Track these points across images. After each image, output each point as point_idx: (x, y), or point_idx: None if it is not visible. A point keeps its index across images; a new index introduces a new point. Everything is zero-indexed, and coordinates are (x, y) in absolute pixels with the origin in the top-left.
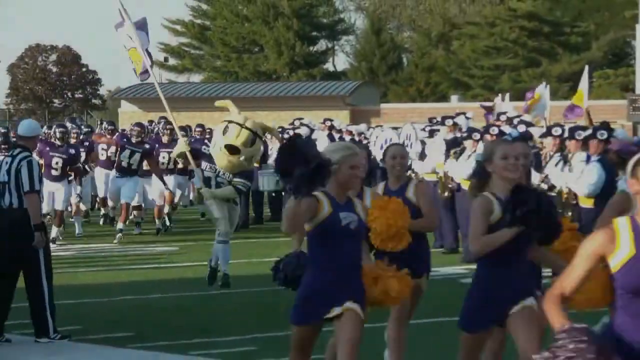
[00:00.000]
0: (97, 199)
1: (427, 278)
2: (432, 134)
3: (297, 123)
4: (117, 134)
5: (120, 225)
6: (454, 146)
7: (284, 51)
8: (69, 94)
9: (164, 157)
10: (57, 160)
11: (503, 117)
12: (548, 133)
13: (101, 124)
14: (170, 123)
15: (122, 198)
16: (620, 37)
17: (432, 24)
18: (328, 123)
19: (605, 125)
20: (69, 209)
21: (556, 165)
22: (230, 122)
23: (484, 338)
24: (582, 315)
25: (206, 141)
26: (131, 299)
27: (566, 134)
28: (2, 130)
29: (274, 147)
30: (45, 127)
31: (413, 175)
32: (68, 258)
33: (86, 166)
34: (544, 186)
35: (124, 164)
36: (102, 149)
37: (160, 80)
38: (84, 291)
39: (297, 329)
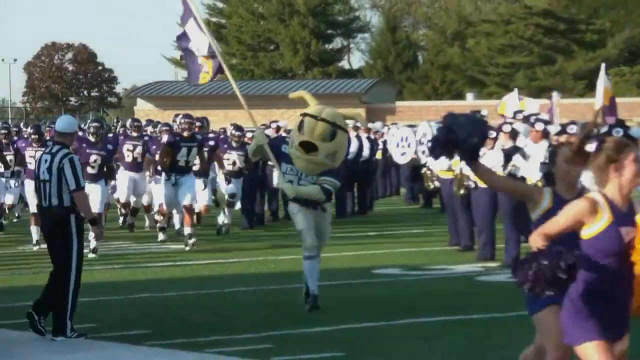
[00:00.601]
0: (117, 202)
1: None
2: None
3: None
4: (167, 133)
5: (188, 229)
6: None
7: (299, 49)
8: (85, 92)
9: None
10: (95, 158)
11: (519, 116)
12: (563, 131)
13: (117, 122)
14: (190, 116)
15: (183, 200)
16: (636, 35)
17: (447, 21)
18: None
19: (621, 123)
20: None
21: None
22: (305, 115)
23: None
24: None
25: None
26: (147, 297)
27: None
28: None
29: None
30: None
31: (429, 173)
32: (84, 256)
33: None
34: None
35: (182, 163)
36: (128, 149)
37: (177, 78)
38: (100, 289)
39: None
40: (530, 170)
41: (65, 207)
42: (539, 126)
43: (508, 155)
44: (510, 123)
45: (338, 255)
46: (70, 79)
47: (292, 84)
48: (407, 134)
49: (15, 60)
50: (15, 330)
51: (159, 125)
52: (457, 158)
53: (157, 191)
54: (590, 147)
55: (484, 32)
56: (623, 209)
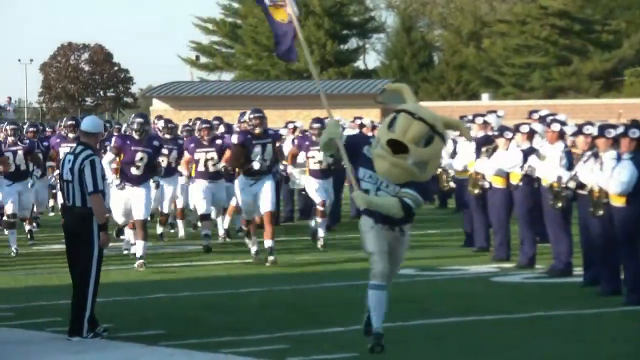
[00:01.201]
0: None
1: None
2: None
3: (290, 125)
4: (238, 135)
5: (269, 242)
6: (485, 144)
7: (314, 49)
8: (101, 92)
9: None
10: (141, 156)
11: (535, 115)
12: (579, 132)
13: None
14: (208, 122)
15: (266, 207)
16: None
17: (462, 22)
18: (358, 121)
19: (637, 124)
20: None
21: (585, 162)
22: (399, 111)
23: None
24: None
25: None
26: (162, 297)
27: (596, 132)
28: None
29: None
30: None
31: (444, 174)
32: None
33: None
34: (573, 184)
35: (257, 165)
36: (205, 158)
37: (192, 78)
38: (115, 289)
39: None
40: (546, 171)
41: (88, 208)
42: (555, 127)
43: (525, 156)
44: (528, 124)
45: (354, 255)
46: (86, 79)
47: (307, 84)
48: None
49: (31, 60)
50: (30, 330)
51: (180, 127)
52: (472, 158)
53: (195, 193)
54: None
55: (500, 33)
56: None
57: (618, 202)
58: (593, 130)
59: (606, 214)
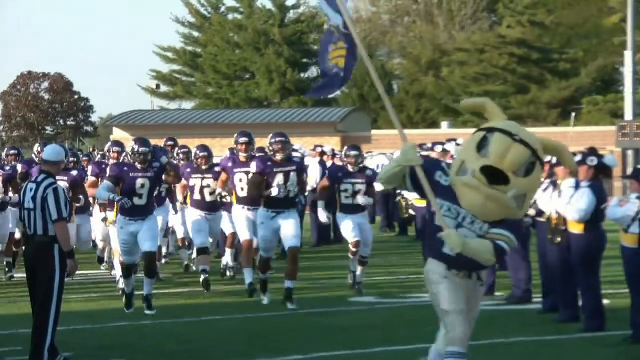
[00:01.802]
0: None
1: None
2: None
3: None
4: (256, 159)
5: (289, 283)
6: None
7: (275, 78)
8: (61, 121)
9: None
10: (142, 182)
11: None
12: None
13: (94, 150)
14: (186, 147)
15: (290, 242)
16: (609, 64)
17: (422, 50)
18: (319, 150)
19: (595, 152)
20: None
21: (544, 190)
22: (491, 130)
23: None
24: None
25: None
26: (124, 326)
27: (555, 160)
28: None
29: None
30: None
31: (403, 201)
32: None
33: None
34: (532, 212)
35: (275, 191)
36: (201, 185)
37: (153, 107)
38: (76, 318)
39: None
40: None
41: (49, 236)
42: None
43: None
44: None
45: (313, 284)
46: (46, 108)
47: (267, 112)
48: (382, 162)
49: None
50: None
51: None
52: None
53: (190, 225)
54: None
55: (458, 61)
56: None
57: (576, 229)
58: (552, 159)
59: (564, 242)
